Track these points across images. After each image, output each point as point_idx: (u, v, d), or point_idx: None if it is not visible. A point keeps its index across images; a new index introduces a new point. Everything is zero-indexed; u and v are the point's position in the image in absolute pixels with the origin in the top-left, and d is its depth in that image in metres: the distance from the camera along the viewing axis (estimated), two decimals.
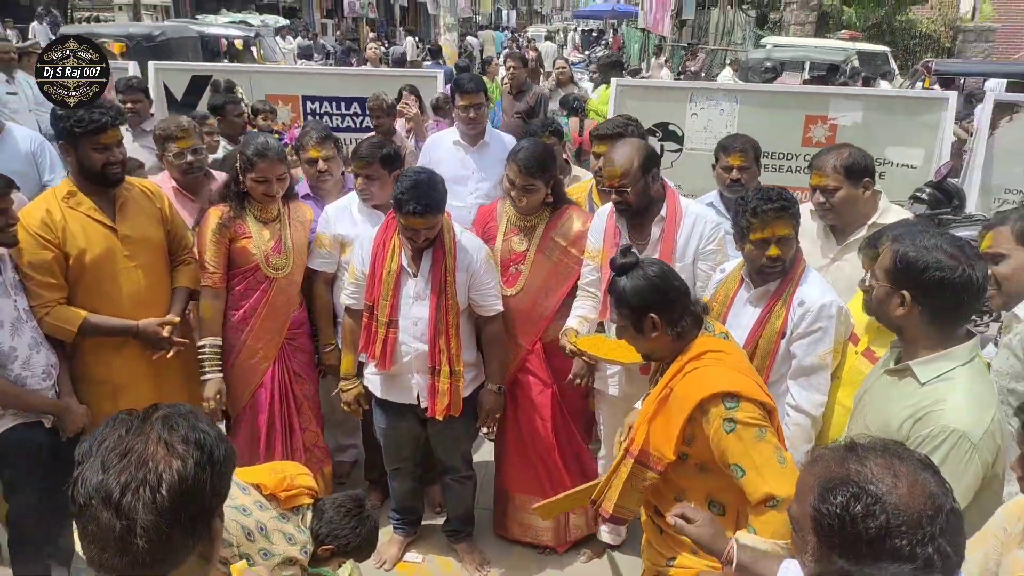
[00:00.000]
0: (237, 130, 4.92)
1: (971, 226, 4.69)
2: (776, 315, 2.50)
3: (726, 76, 12.71)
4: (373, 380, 3.10)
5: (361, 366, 3.16)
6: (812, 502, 1.21)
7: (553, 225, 3.15)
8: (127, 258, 2.83)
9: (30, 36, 14.66)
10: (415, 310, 2.93)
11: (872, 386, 2.05)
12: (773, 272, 2.50)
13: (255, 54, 12.86)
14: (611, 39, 27.00)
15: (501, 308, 3.07)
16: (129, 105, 4.80)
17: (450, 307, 2.91)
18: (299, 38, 18.19)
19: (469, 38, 24.96)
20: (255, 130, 4.89)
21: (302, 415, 3.33)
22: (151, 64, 6.03)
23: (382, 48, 15.60)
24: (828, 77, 10.22)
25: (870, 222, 2.81)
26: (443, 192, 2.84)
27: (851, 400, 2.22)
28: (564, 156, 4.13)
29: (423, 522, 3.51)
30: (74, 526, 1.11)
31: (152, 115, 5.10)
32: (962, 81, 9.67)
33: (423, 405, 3.01)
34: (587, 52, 23.89)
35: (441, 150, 4.21)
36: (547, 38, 26.54)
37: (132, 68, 5.83)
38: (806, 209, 2.88)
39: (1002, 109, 5.41)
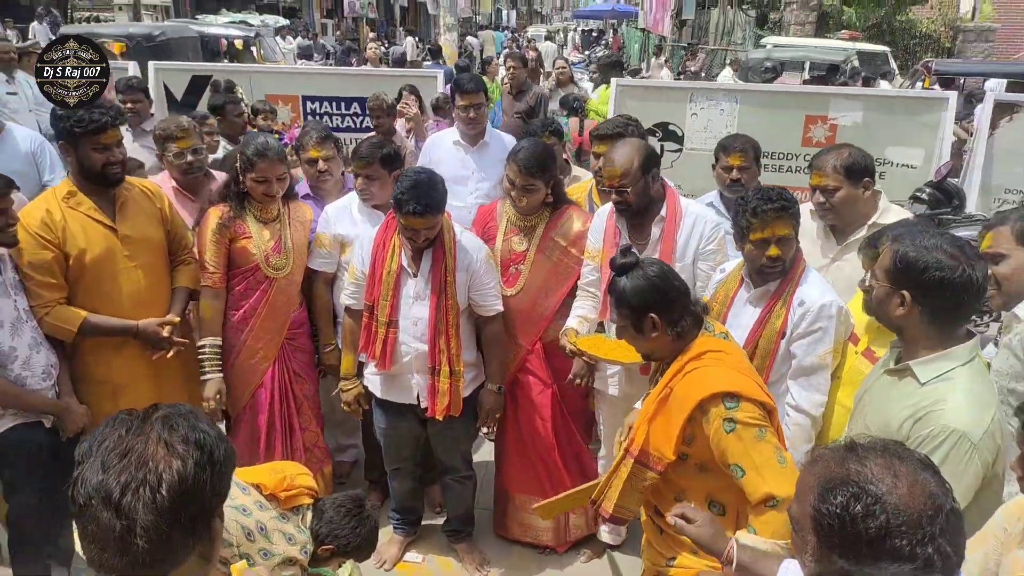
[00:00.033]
0: (237, 130, 4.92)
1: (971, 226, 4.69)
2: (776, 315, 2.50)
3: (726, 76, 12.71)
4: (373, 380, 3.10)
5: (361, 366, 3.16)
6: (812, 502, 1.21)
7: (553, 225, 3.15)
8: (127, 258, 2.83)
9: (30, 36, 14.66)
10: (415, 310, 2.93)
11: (872, 386, 2.05)
12: (773, 272, 2.50)
13: (255, 54, 12.86)
14: (611, 39, 27.01)
15: (501, 308, 3.07)
16: (129, 105, 4.80)
17: (450, 307, 2.91)
18: (299, 38, 18.20)
19: (469, 38, 24.96)
20: (255, 130, 4.89)
21: (302, 415, 3.33)
22: (151, 64, 6.03)
23: (382, 48, 15.61)
24: (828, 77, 10.22)
25: (870, 222, 2.81)
26: (443, 192, 2.84)
27: (851, 400, 2.22)
28: (564, 156, 4.13)
29: (423, 522, 3.51)
30: (74, 526, 1.11)
31: (152, 115, 5.10)
32: (962, 81, 9.67)
33: (423, 405, 3.01)
34: (587, 52, 23.90)
35: (441, 150, 4.21)
36: (547, 38, 26.55)
37: (132, 68, 5.83)
38: (806, 209, 2.87)
39: (1002, 109, 5.41)
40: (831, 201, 2.82)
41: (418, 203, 2.71)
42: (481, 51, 21.49)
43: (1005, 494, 1.85)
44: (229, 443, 1.18)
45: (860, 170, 2.80)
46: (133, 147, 4.10)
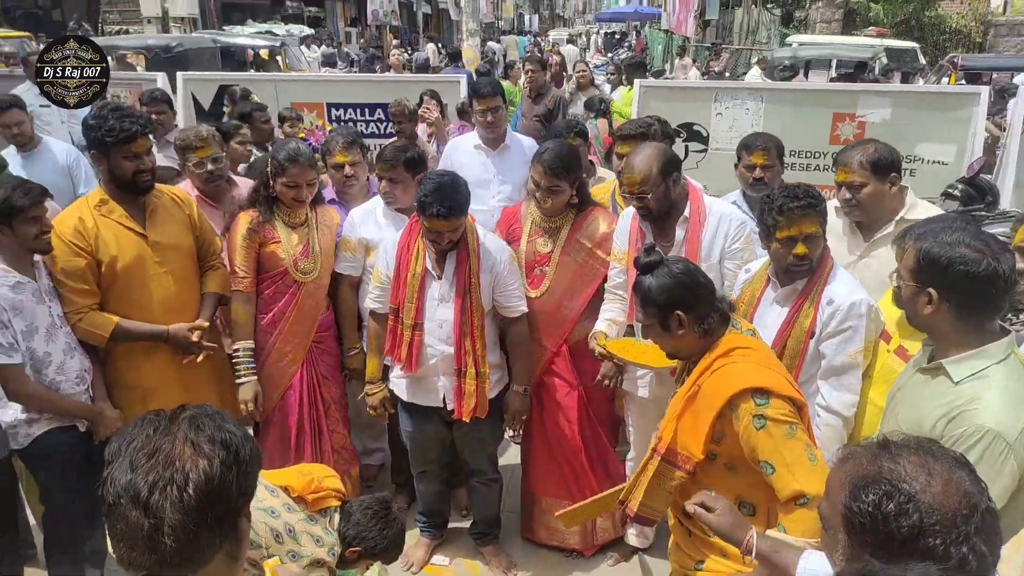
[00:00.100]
0: (265, 136, 4.98)
1: (1005, 222, 4.57)
2: (804, 314, 2.47)
3: (754, 75, 12.60)
4: (398, 384, 3.11)
5: (386, 370, 3.17)
6: (843, 500, 1.18)
7: (578, 227, 3.14)
8: (157, 264, 2.88)
9: None
10: (440, 312, 2.93)
11: (905, 385, 2.01)
12: (800, 271, 2.47)
13: (280, 63, 13.02)
14: (634, 41, 26.90)
15: (525, 309, 3.06)
16: (153, 116, 4.87)
17: (475, 309, 2.91)
18: (323, 47, 18.38)
19: (491, 43, 25.03)
20: (283, 137, 4.95)
21: (330, 417, 3.35)
22: (179, 75, 6.14)
23: (405, 55, 15.72)
24: (856, 74, 10.08)
25: (897, 218, 2.75)
26: (466, 195, 2.85)
27: (883, 399, 2.18)
28: (589, 157, 4.11)
29: (450, 525, 3.51)
30: (106, 527, 1.12)
31: (176, 126, 5.17)
32: (991, 76, 9.47)
33: (449, 407, 3.01)
34: (610, 55, 23.82)
35: (462, 154, 4.20)
36: (569, 42, 26.52)
37: (161, 80, 5.94)
38: (832, 206, 2.83)
39: None
40: (857, 197, 2.77)
41: (441, 205, 2.72)
42: (504, 56, 21.55)
43: None
44: (255, 443, 1.19)
45: (886, 165, 2.75)
46: (157, 158, 4.16)
